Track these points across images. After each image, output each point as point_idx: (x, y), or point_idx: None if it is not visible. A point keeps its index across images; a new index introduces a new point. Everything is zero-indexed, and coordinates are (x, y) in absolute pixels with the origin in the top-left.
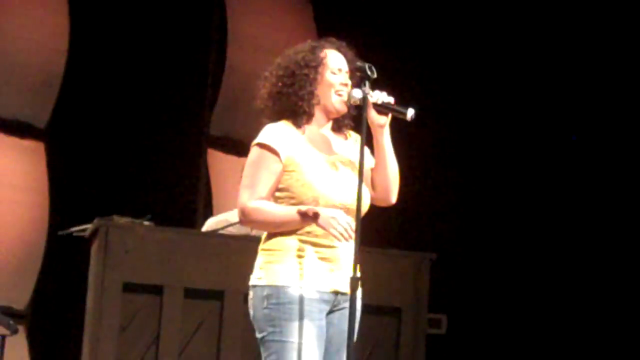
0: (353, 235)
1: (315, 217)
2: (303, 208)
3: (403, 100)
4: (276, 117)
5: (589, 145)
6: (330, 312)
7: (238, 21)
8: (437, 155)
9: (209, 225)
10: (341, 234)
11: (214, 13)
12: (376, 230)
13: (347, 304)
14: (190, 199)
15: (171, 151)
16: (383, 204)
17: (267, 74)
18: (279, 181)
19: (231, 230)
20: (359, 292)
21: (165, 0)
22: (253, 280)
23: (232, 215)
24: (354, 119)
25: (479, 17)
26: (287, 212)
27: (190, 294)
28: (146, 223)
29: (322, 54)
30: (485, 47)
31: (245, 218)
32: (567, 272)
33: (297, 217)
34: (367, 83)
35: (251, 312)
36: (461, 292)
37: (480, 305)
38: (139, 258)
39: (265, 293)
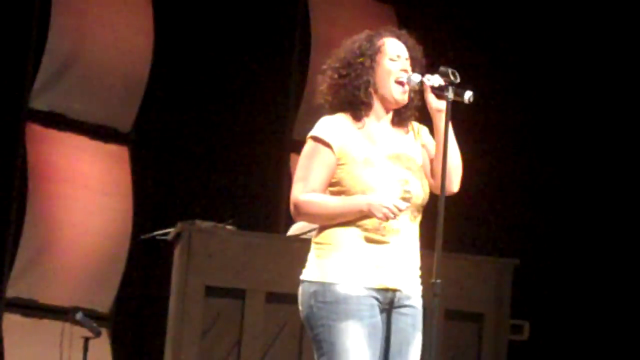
0: (398, 213)
1: (367, 206)
2: (354, 198)
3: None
4: (335, 111)
5: None
6: (387, 310)
7: (321, 25)
8: (528, 162)
9: (294, 230)
10: (385, 215)
11: (297, 17)
12: (460, 235)
13: (406, 302)
14: (273, 203)
15: (254, 155)
16: (445, 194)
17: (325, 67)
18: (332, 174)
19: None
20: (418, 292)
21: (248, 5)
22: (303, 275)
23: None
24: (419, 108)
25: (568, 13)
26: (338, 203)
27: (272, 297)
28: (229, 227)
29: (379, 42)
30: (571, 39)
31: (297, 211)
32: None
33: (349, 208)
34: (450, 89)
35: (300, 308)
36: (544, 298)
37: (564, 312)
38: (221, 262)
39: (312, 289)
